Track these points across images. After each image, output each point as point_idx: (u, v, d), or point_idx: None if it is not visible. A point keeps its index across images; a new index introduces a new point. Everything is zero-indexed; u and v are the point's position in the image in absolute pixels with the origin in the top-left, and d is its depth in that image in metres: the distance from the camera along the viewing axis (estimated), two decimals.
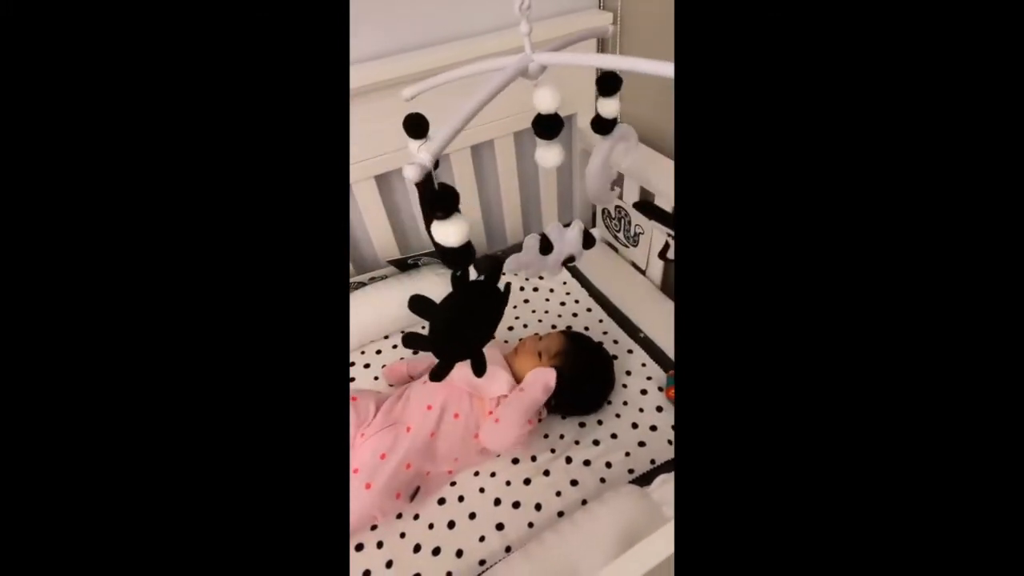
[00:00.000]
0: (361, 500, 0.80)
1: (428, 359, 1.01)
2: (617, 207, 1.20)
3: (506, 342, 1.10)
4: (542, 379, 0.89)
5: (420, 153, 0.43)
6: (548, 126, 0.61)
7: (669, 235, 0.72)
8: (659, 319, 1.10)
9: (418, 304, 0.50)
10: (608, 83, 0.64)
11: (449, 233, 0.45)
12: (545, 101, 0.57)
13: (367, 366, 1.08)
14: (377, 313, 1.09)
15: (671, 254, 0.74)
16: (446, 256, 0.47)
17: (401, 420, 0.87)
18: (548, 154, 0.65)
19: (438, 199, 0.43)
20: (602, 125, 0.69)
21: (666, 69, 0.41)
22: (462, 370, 0.89)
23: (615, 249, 1.29)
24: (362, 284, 1.13)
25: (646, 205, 0.72)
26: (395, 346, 1.11)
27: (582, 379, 0.94)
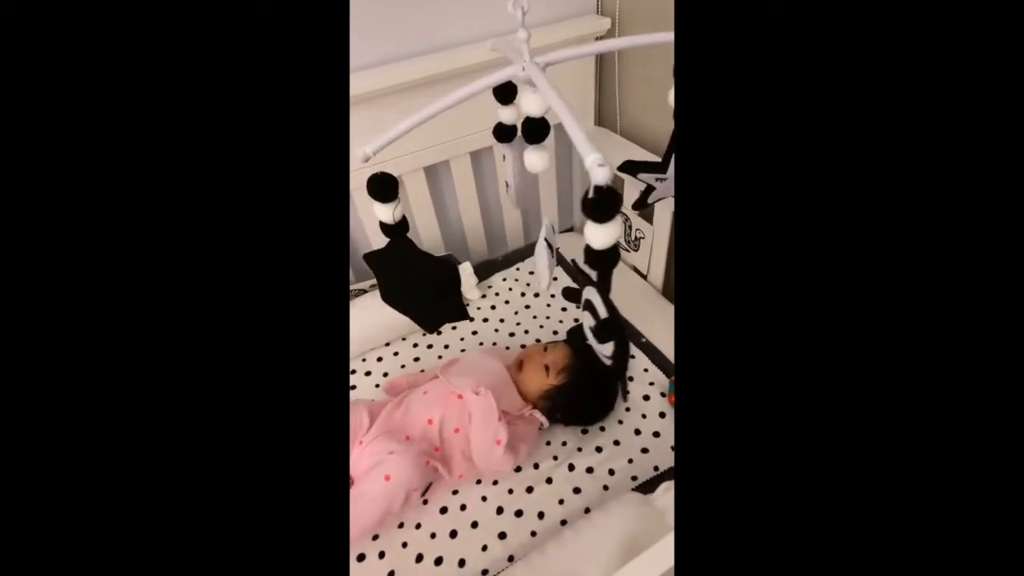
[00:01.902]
0: (379, 488, 0.78)
1: (430, 374, 1.00)
2: None
3: (507, 348, 1.10)
4: (480, 408, 0.86)
5: (593, 155, 0.40)
6: (535, 130, 0.60)
7: (658, 178, 0.69)
8: (661, 324, 1.09)
9: (607, 330, 0.49)
10: (505, 92, 0.63)
11: (609, 234, 0.43)
12: (532, 105, 0.56)
13: (368, 373, 1.07)
14: (379, 320, 1.08)
15: (652, 198, 0.71)
16: (598, 258, 0.45)
17: (400, 428, 0.86)
18: (535, 158, 0.64)
19: (610, 202, 0.41)
20: (504, 132, 0.67)
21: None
22: (463, 379, 0.88)
23: None
24: (363, 291, 1.12)
25: (632, 164, 0.70)
26: (396, 353, 1.11)
27: (588, 392, 0.93)
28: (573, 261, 0.66)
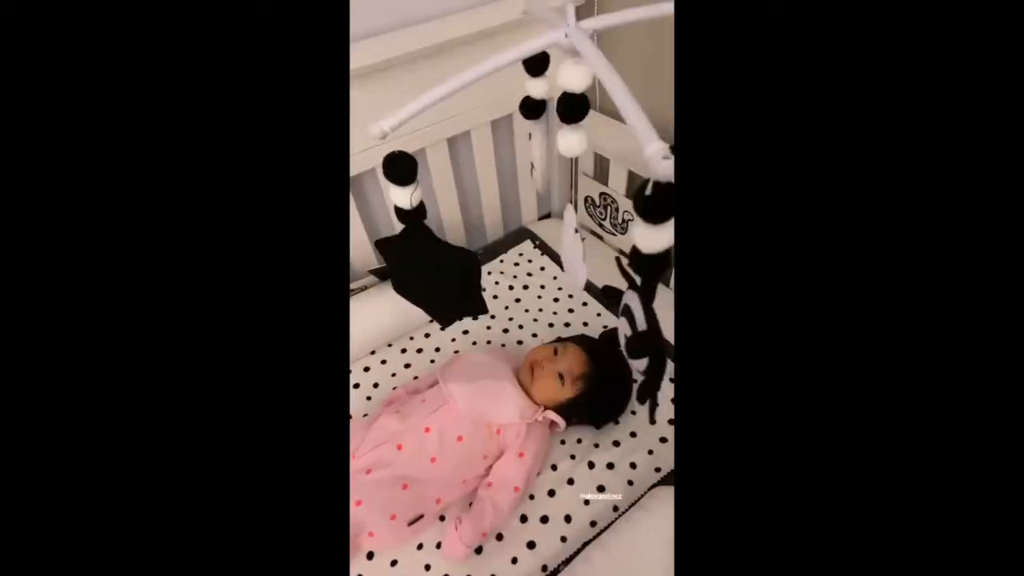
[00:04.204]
0: (352, 515, 0.73)
1: (430, 377, 0.93)
2: (602, 194, 1.16)
3: (503, 345, 1.04)
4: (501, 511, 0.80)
5: (655, 143, 0.34)
6: (574, 108, 0.54)
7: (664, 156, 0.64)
8: (657, 307, 1.07)
9: (644, 345, 0.43)
10: (537, 63, 0.56)
11: (664, 238, 0.38)
12: (574, 77, 0.50)
13: (356, 386, 0.99)
14: (362, 328, 1.00)
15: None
16: (647, 264, 0.40)
17: (393, 439, 0.79)
18: (572, 140, 0.57)
19: (669, 201, 0.35)
20: (532, 108, 0.60)
21: None
22: (465, 396, 0.82)
23: (600, 237, 1.24)
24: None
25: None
26: (384, 361, 1.03)
27: (606, 398, 0.89)
28: (617, 258, 0.60)
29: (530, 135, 0.63)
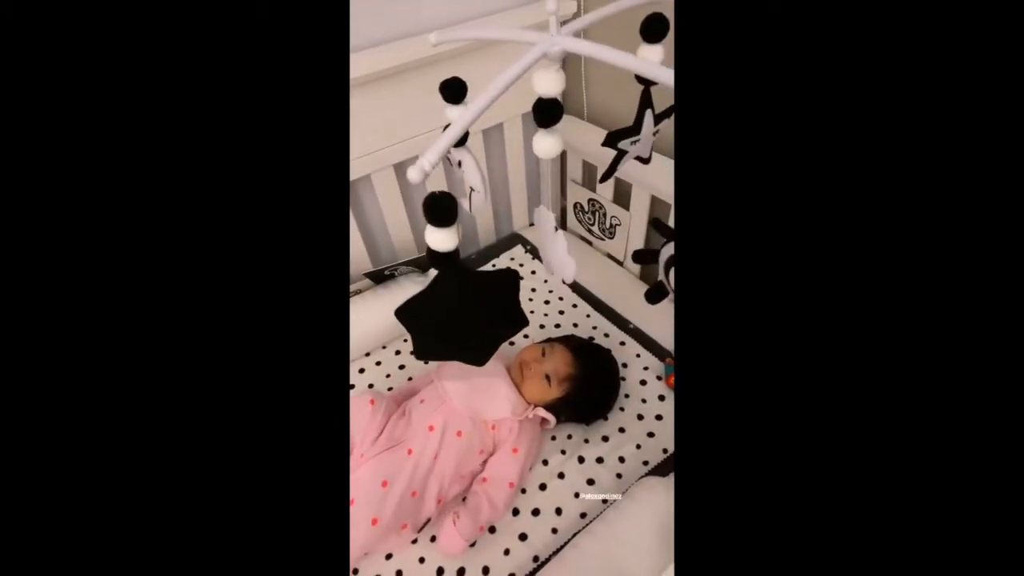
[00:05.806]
0: (366, 536, 0.74)
1: (424, 382, 0.95)
2: (591, 200, 1.19)
3: None
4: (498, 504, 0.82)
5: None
6: (548, 112, 0.57)
7: (632, 140, 0.65)
8: (646, 308, 1.08)
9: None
10: (455, 89, 0.57)
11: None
12: (547, 84, 0.53)
13: (352, 387, 1.02)
14: (358, 330, 1.03)
15: (624, 161, 0.64)
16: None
17: (403, 441, 0.81)
18: (548, 143, 0.60)
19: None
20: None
21: None
22: (460, 393, 0.85)
23: (589, 243, 1.28)
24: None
25: (612, 135, 0.62)
26: (378, 363, 1.05)
27: (594, 397, 0.92)
28: (655, 220, 0.64)
29: (459, 163, 0.63)
